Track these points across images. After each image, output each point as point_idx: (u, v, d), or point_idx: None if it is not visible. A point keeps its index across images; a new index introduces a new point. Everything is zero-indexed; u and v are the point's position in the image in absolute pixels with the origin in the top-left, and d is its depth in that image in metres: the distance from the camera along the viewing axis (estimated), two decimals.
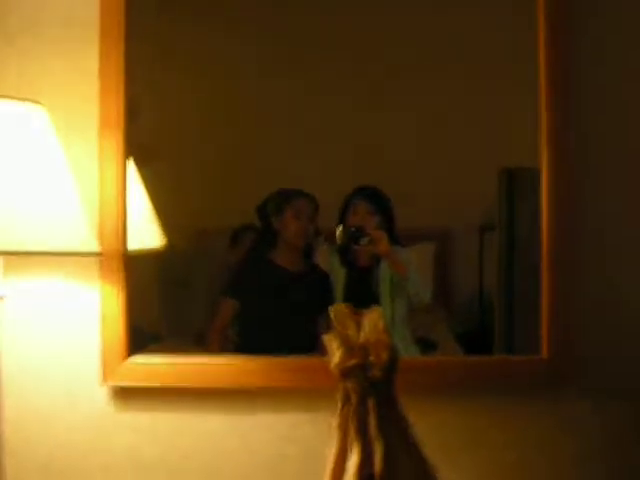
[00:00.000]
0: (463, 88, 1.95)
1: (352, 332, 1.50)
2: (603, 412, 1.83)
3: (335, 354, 1.48)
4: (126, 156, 1.83)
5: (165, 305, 2.02)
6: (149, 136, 1.94)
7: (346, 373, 1.47)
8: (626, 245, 1.85)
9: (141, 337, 1.87)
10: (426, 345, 1.96)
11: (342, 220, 1.96)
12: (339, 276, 1.99)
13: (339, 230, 1.95)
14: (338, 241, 1.96)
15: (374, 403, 1.46)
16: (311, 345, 1.81)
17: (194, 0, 2.00)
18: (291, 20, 1.98)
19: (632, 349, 1.84)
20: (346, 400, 1.49)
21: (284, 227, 1.98)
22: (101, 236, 1.79)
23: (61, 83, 1.85)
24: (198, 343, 1.97)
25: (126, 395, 1.86)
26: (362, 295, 1.97)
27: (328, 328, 1.53)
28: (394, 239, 1.95)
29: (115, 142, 1.81)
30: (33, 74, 1.85)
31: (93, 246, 1.70)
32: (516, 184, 1.92)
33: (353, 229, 1.95)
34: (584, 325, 1.83)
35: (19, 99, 1.62)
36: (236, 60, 1.97)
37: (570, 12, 1.81)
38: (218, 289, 2.01)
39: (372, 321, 1.52)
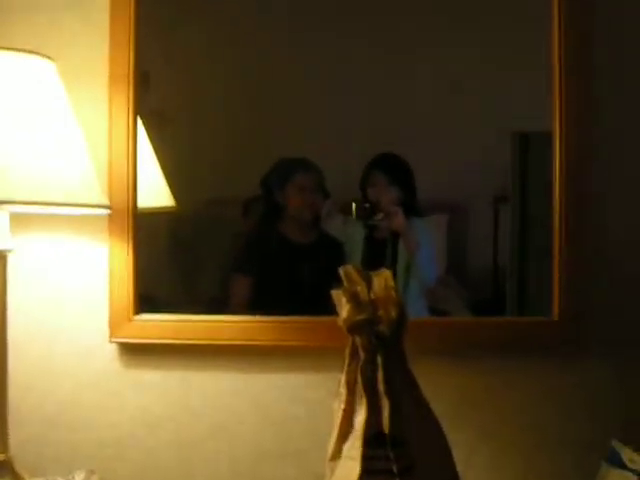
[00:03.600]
0: (478, 55, 1.91)
1: (361, 289, 1.49)
2: (614, 371, 1.82)
3: (344, 309, 1.47)
4: (136, 112, 1.82)
5: (177, 272, 2.01)
6: (160, 102, 1.92)
7: (354, 328, 1.46)
8: None
9: (154, 305, 1.87)
10: (438, 314, 1.95)
11: (363, 189, 1.93)
12: (356, 248, 1.96)
13: (353, 206, 1.93)
14: (353, 216, 1.93)
15: (382, 359, 1.44)
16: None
17: None
18: None
19: None
20: (354, 356, 1.48)
21: (288, 202, 1.96)
22: (110, 191, 1.79)
23: (71, 36, 1.84)
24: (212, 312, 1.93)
25: (135, 352, 1.86)
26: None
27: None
28: (415, 210, 1.92)
29: (126, 97, 1.81)
30: (42, 26, 1.84)
31: (103, 200, 1.69)
32: (530, 147, 1.90)
33: (367, 205, 1.93)
34: (595, 289, 1.81)
35: (28, 52, 1.61)
36: (251, 29, 1.94)
37: None
38: (230, 262, 1.99)
39: (381, 279, 1.50)
